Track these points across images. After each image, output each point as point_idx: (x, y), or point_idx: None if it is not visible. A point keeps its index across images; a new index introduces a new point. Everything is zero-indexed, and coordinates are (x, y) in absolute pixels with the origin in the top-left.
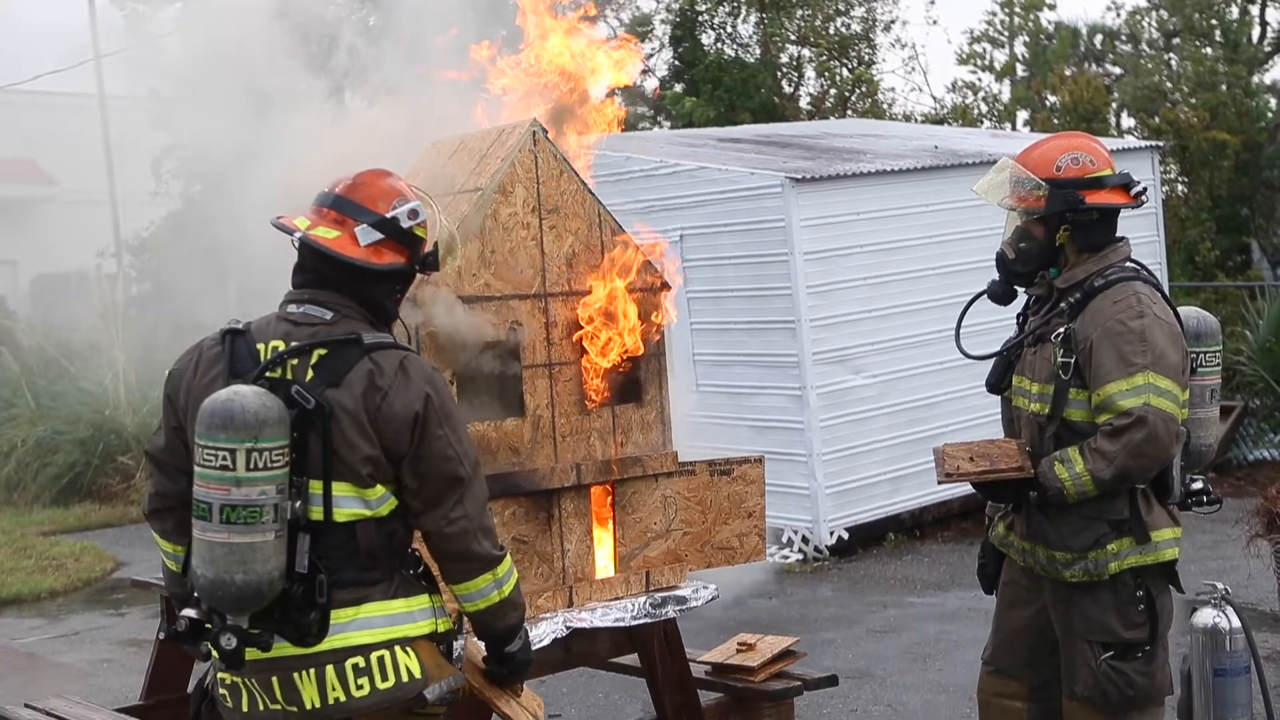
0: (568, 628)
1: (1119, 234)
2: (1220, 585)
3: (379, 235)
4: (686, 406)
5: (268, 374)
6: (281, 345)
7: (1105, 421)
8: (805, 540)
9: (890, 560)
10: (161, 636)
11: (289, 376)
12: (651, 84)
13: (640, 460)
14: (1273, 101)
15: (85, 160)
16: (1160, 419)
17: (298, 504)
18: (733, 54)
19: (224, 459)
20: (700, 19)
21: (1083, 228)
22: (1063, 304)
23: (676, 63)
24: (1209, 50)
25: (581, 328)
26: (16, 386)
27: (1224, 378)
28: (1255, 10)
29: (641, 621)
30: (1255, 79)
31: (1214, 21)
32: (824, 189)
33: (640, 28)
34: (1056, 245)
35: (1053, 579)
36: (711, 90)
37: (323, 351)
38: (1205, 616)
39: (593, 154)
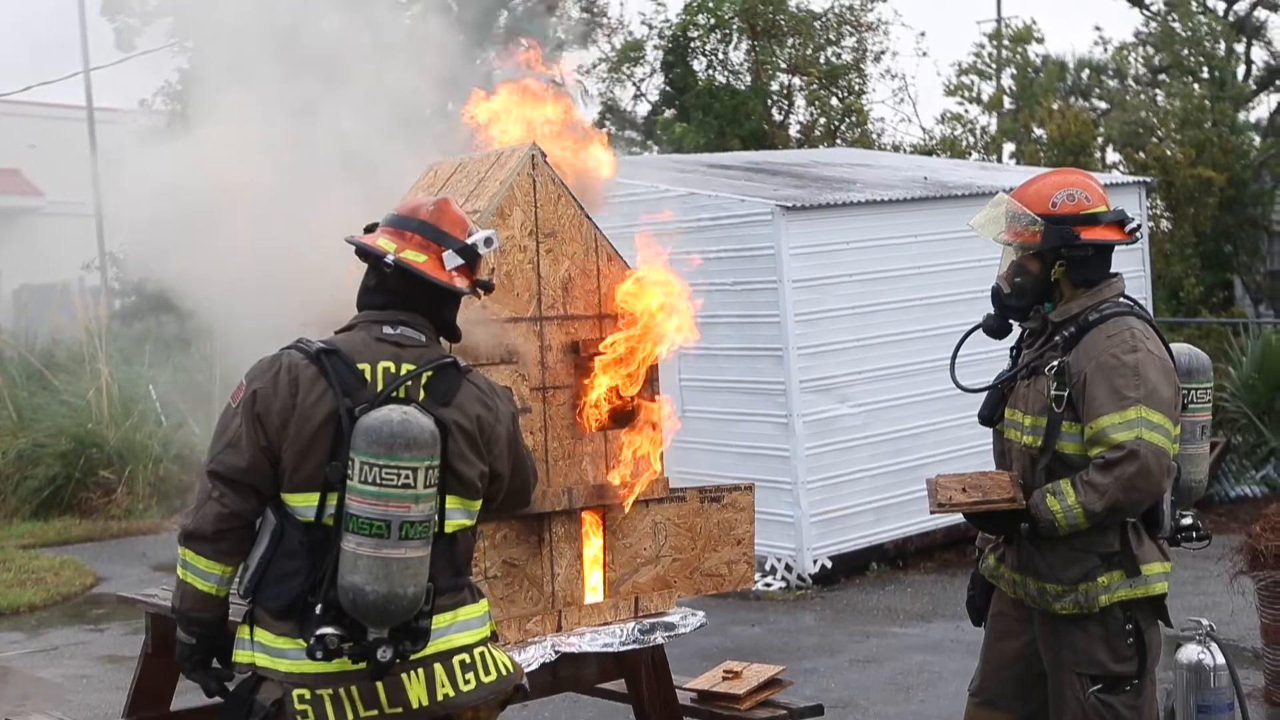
0: (556, 652)
1: (1113, 270)
2: (1205, 621)
3: (460, 260)
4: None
5: (391, 395)
6: (392, 366)
7: (1097, 454)
8: (788, 568)
9: (873, 590)
10: (149, 652)
11: (403, 396)
12: (643, 109)
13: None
14: (1257, 139)
15: (71, 172)
16: (1152, 453)
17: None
18: (724, 81)
19: (406, 478)
20: (692, 45)
21: (1078, 263)
22: (1057, 337)
23: (667, 88)
24: (1196, 87)
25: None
26: None
27: None
28: (1241, 48)
29: (630, 647)
30: (1241, 116)
31: (1201, 58)
32: (813, 217)
33: (632, 52)
34: (1051, 280)
35: (1042, 611)
36: (702, 116)
37: (430, 374)
38: (1190, 653)
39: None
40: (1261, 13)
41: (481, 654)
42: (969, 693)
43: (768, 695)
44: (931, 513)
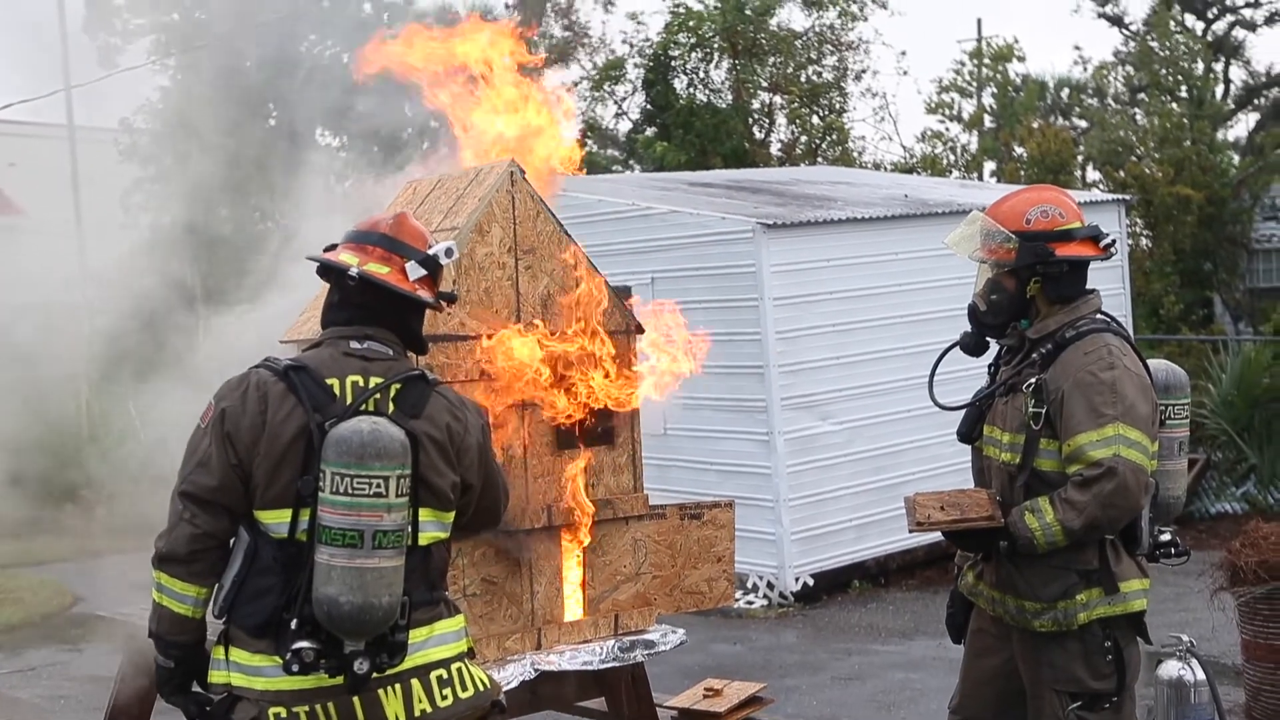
0: (535, 670)
1: (1089, 286)
2: (1185, 638)
3: (423, 271)
4: (653, 450)
5: (360, 408)
6: (360, 379)
7: (1075, 472)
8: (770, 586)
9: (855, 607)
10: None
11: (372, 410)
12: (624, 126)
13: (611, 503)
14: (1236, 157)
15: (52, 190)
16: (1130, 470)
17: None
18: (705, 99)
19: (378, 486)
20: (673, 64)
21: (1053, 280)
22: (1034, 354)
23: (649, 106)
24: (1175, 106)
25: (560, 372)
26: None
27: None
28: (1219, 67)
29: (609, 665)
30: (1219, 135)
31: (1179, 77)
32: (795, 235)
33: (613, 71)
34: (1027, 297)
35: (1021, 628)
36: (683, 135)
37: (398, 386)
38: (1170, 669)
39: (560, 195)
40: (1240, 32)
41: (459, 669)
42: (949, 710)
43: (749, 713)
44: (910, 531)
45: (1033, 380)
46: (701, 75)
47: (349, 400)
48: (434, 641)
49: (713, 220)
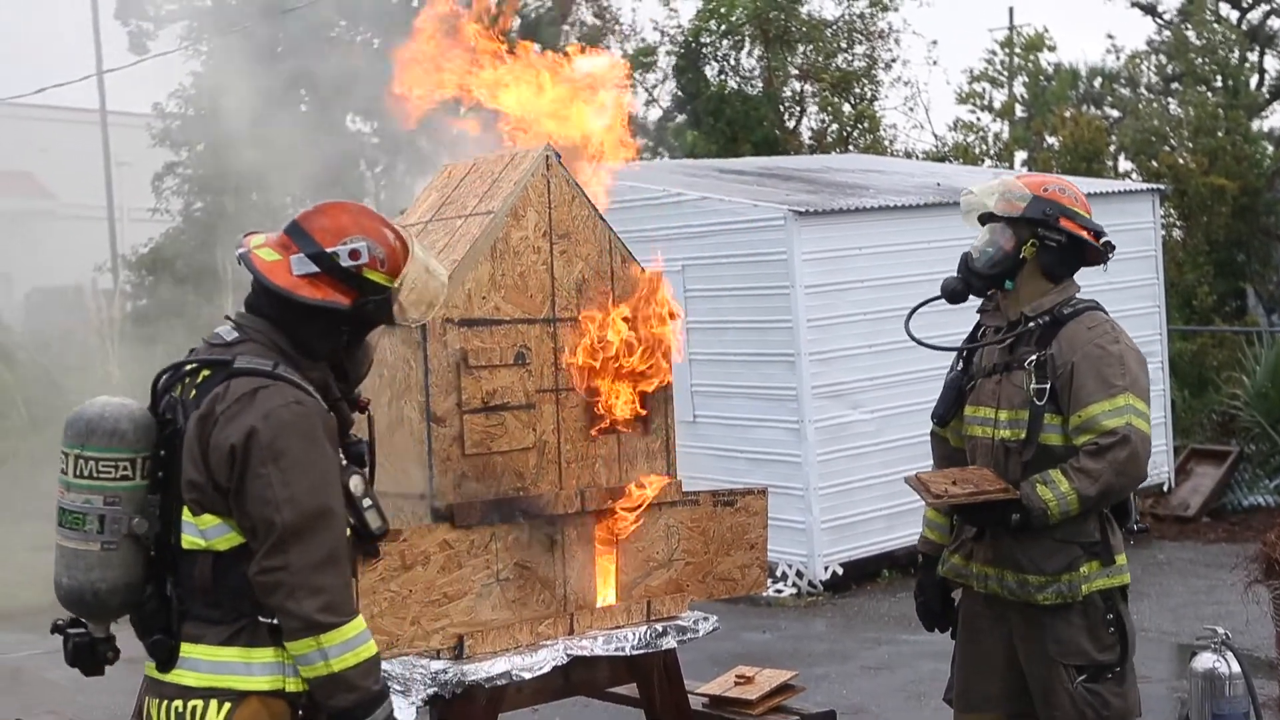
0: (568, 655)
1: (1089, 295)
2: (1220, 630)
3: (314, 269)
4: (683, 437)
5: (172, 392)
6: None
7: (1088, 441)
8: (800, 574)
9: (885, 597)
10: None
11: (181, 395)
12: (654, 114)
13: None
14: (1270, 148)
15: (84, 175)
16: (1140, 439)
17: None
18: (735, 86)
19: (62, 462)
20: (704, 51)
21: (1048, 250)
22: (1031, 327)
23: (679, 94)
24: (1209, 95)
25: (595, 355)
26: (10, 399)
27: (1220, 423)
28: (1254, 57)
29: (642, 651)
30: (1254, 125)
31: (1214, 67)
32: (826, 223)
33: (644, 58)
34: (1020, 257)
35: (1021, 604)
36: (713, 122)
37: (207, 372)
38: (1204, 661)
39: (609, 181)
40: (1275, 22)
41: (194, 707)
42: (946, 702)
43: (780, 701)
44: (929, 505)
45: (1034, 356)
46: (732, 62)
47: None
48: (188, 665)
49: (744, 207)
